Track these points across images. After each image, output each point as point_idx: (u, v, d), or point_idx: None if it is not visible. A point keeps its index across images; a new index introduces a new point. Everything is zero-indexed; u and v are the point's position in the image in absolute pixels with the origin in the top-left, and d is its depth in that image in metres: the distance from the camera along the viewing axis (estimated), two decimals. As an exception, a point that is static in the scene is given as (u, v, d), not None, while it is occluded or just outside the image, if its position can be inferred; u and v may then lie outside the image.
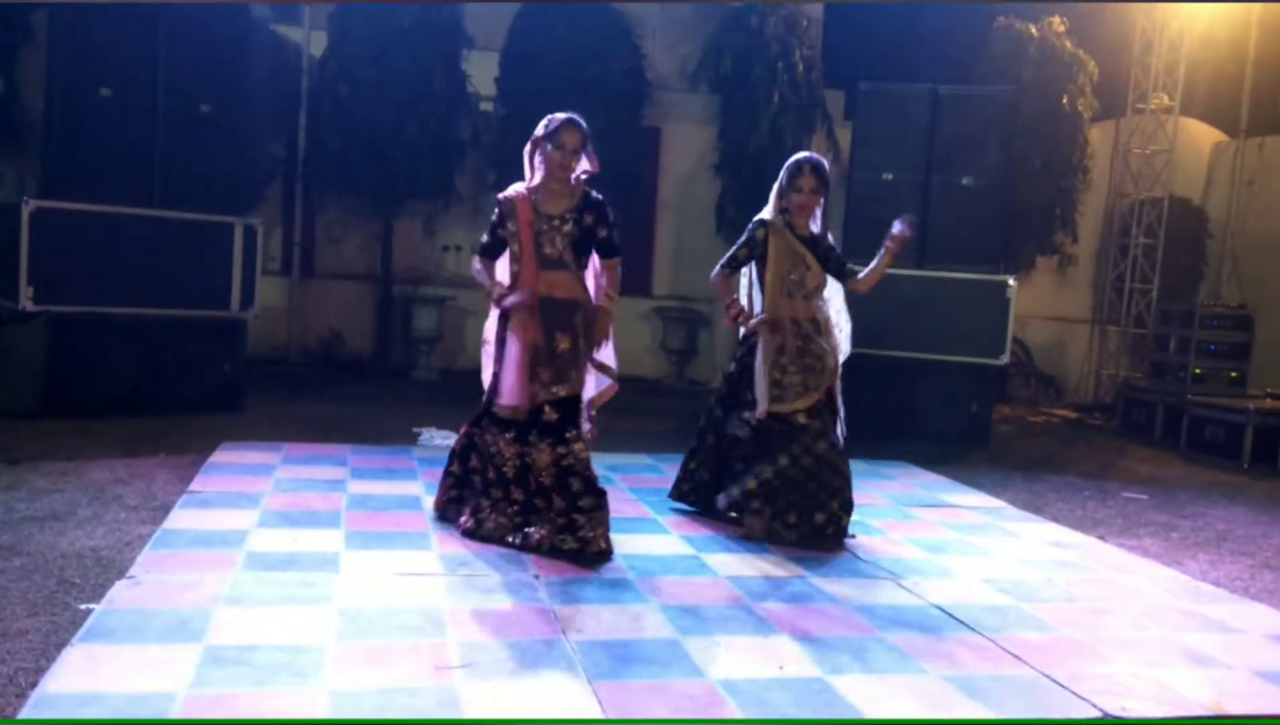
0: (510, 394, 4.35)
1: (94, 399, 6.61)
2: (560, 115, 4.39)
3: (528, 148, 4.45)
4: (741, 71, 10.08)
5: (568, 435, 4.35)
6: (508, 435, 4.37)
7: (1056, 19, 10.57)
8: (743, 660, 3.28)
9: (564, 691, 2.95)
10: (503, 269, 4.50)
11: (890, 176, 8.26)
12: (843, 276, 4.99)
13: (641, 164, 10.42)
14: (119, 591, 3.50)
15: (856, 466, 6.62)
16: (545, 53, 9.47)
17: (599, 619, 3.57)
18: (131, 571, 3.70)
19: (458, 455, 4.63)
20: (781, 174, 4.88)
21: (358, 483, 5.27)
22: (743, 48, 10.10)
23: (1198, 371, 9.39)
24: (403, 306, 10.15)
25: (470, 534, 4.42)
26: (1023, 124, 9.13)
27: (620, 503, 5.22)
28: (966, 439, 8.05)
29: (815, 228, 4.95)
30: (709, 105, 10.58)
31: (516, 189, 4.43)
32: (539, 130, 4.40)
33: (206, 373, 7.13)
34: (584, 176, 4.43)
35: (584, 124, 4.38)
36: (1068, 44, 10.50)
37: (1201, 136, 12.10)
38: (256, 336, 8.31)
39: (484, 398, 4.52)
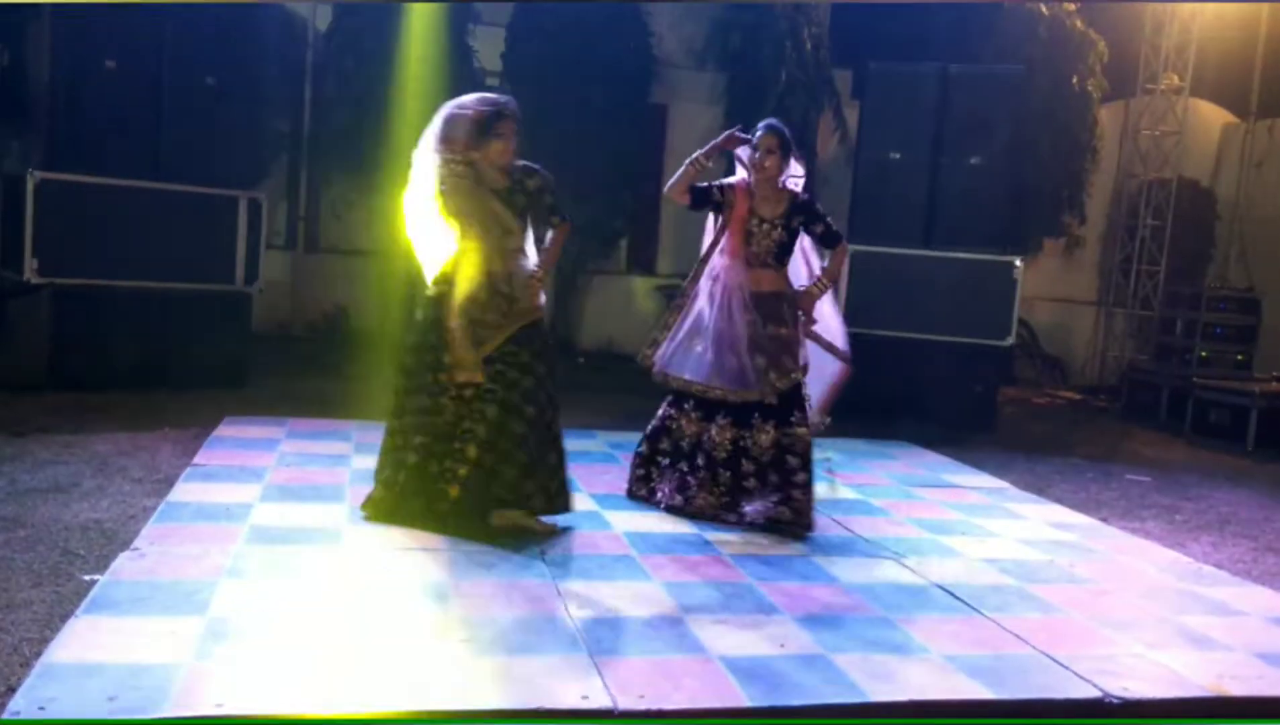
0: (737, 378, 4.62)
1: (98, 372, 6.60)
2: (763, 123, 4.70)
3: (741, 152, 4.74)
4: (749, 50, 10.02)
5: (792, 419, 4.62)
6: (722, 420, 4.65)
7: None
8: (745, 638, 3.29)
9: (566, 667, 2.95)
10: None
11: (898, 156, 8.22)
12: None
13: (648, 142, 10.37)
14: (123, 563, 3.51)
15: (860, 446, 6.69)
16: (552, 29, 9.42)
17: (602, 595, 3.58)
18: (135, 543, 3.72)
19: (649, 437, 4.89)
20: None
21: (362, 457, 5.25)
22: (751, 26, 10.04)
23: (1204, 354, 9.37)
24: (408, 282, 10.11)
25: (677, 510, 4.67)
26: (1032, 104, 9.07)
27: (624, 480, 5.21)
28: (970, 420, 8.03)
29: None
30: (716, 83, 10.51)
31: (739, 178, 4.77)
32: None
33: (211, 347, 7.11)
34: (792, 182, 4.75)
35: (784, 130, 4.69)
36: (1078, 23, 10.41)
37: (1211, 118, 12.02)
38: (260, 311, 8.30)
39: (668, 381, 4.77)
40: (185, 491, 4.43)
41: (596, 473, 5.36)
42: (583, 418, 6.76)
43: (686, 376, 4.70)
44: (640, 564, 3.97)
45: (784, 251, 4.71)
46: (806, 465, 4.60)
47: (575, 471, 5.17)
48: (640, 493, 4.89)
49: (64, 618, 3.04)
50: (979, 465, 6.50)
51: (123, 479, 4.68)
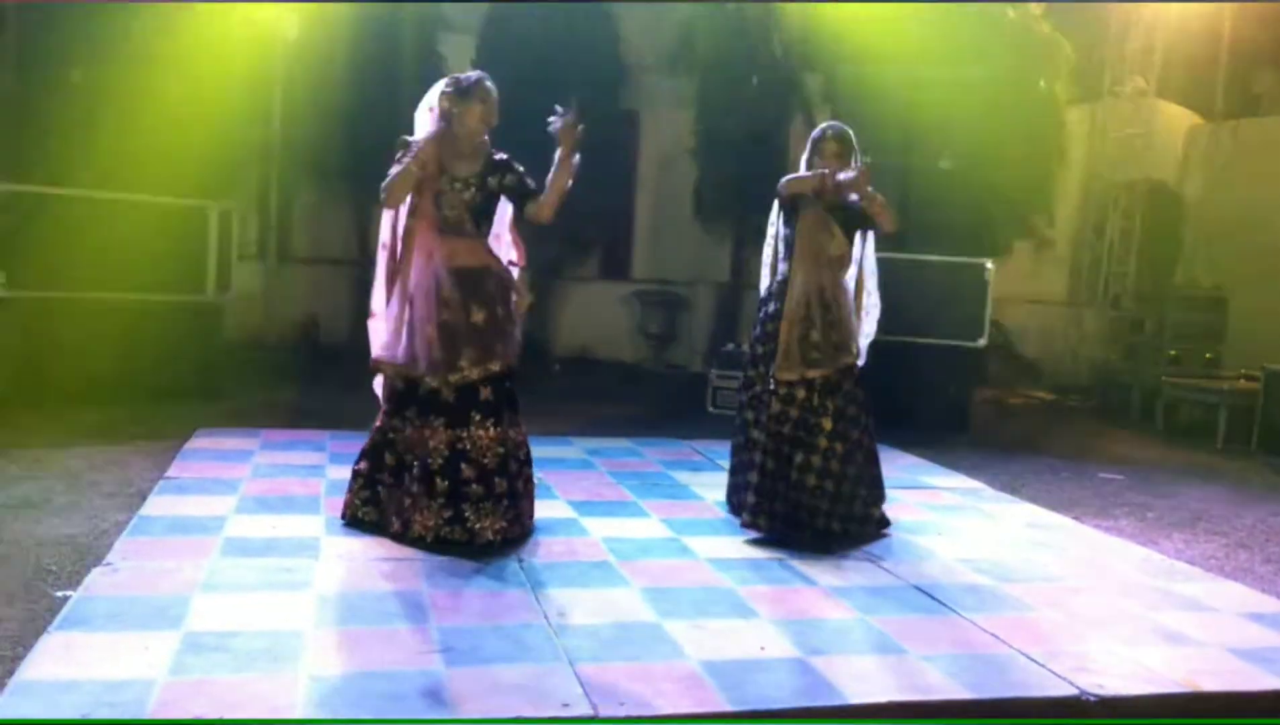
0: (410, 354, 4.09)
1: (68, 385, 6.53)
2: (471, 74, 4.34)
3: (439, 102, 4.24)
4: (720, 55, 10.05)
5: (505, 415, 4.15)
6: (437, 422, 4.08)
7: (1033, 2, 10.56)
8: (724, 642, 3.29)
9: (546, 675, 2.94)
10: (386, 229, 4.25)
11: (869, 159, 8.22)
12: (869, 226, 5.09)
13: (620, 147, 10.38)
14: (96, 579, 3.48)
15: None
16: (523, 35, 9.41)
17: (580, 603, 3.57)
18: (109, 558, 3.68)
19: (368, 453, 4.27)
20: (807, 145, 4.92)
21: (336, 468, 5.22)
22: (721, 31, 10.07)
23: (1173, 353, 9.46)
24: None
25: (398, 537, 4.10)
26: (1000, 107, 9.13)
27: (601, 487, 5.25)
28: (945, 421, 8.06)
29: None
30: (687, 89, 10.54)
31: (425, 137, 4.20)
32: (450, 88, 4.24)
33: (182, 358, 7.07)
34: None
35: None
36: (1044, 27, 10.49)
37: (1177, 119, 12.13)
38: (232, 322, 8.24)
39: (384, 381, 4.25)
40: (158, 505, 4.40)
41: (573, 479, 5.36)
42: (558, 425, 6.77)
43: (390, 358, 4.17)
44: (618, 570, 3.97)
45: (480, 215, 4.21)
46: (525, 467, 4.28)
47: (552, 478, 5.20)
48: (370, 517, 4.23)
49: (37, 634, 3.01)
50: (954, 466, 6.54)
51: (95, 493, 4.63)
